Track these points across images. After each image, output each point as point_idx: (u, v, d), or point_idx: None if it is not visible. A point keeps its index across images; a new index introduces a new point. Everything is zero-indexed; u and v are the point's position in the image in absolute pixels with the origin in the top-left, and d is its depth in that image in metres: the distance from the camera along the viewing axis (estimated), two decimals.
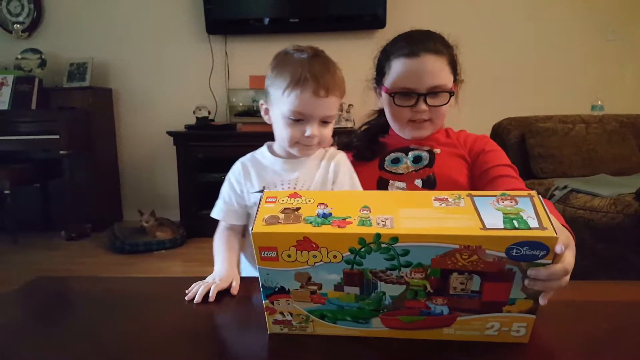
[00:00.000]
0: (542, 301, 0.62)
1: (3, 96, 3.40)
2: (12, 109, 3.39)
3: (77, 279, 1.23)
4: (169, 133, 3.35)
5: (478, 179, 1.09)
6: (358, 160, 1.19)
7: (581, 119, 2.76)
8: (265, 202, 0.66)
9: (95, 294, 0.96)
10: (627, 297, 0.85)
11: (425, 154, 1.13)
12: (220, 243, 1.06)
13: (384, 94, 1.14)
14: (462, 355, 0.65)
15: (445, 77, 1.08)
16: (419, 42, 1.08)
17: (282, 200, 0.65)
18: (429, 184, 1.09)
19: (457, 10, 3.50)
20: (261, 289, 0.66)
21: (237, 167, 1.09)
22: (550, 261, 0.58)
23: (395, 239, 0.58)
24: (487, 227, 0.57)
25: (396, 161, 1.14)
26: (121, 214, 3.90)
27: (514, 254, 0.57)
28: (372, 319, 0.66)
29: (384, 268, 0.61)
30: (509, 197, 0.62)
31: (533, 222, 0.58)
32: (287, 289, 0.65)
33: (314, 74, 0.94)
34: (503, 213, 0.59)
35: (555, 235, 0.56)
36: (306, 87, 0.94)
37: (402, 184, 1.10)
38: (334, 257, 0.61)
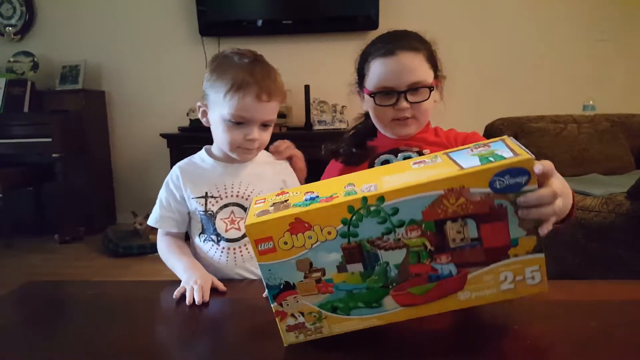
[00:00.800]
0: (541, 232, 0.61)
1: None
2: (4, 112, 3.38)
3: (68, 283, 1.23)
4: (163, 135, 3.34)
5: None
6: (348, 166, 1.19)
7: (573, 118, 2.78)
8: (255, 204, 0.66)
9: (87, 298, 0.95)
10: (615, 296, 0.86)
11: (414, 155, 1.13)
12: (171, 250, 1.04)
13: (366, 96, 1.14)
14: (461, 355, 0.66)
15: (423, 73, 1.08)
16: (394, 40, 1.09)
17: (271, 199, 0.66)
18: None
19: (449, 10, 3.51)
20: (266, 290, 0.65)
21: (175, 172, 1.08)
22: (535, 186, 0.58)
23: (381, 198, 0.58)
24: (465, 168, 0.58)
25: (385, 163, 1.13)
26: (115, 217, 3.89)
27: (497, 186, 0.57)
28: (384, 299, 0.64)
29: (379, 234, 0.60)
30: (482, 145, 0.63)
31: (508, 154, 0.58)
32: (292, 284, 0.64)
33: (256, 79, 0.96)
34: (479, 156, 0.60)
35: (530, 156, 0.57)
36: (248, 91, 0.95)
37: None
38: (329, 233, 0.60)
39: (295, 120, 3.50)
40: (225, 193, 1.04)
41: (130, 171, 3.87)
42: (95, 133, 3.69)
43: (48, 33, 3.76)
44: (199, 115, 1.08)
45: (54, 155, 3.28)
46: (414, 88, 1.07)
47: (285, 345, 0.68)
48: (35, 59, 3.66)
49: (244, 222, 0.62)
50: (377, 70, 1.09)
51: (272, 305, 0.65)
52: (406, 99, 1.07)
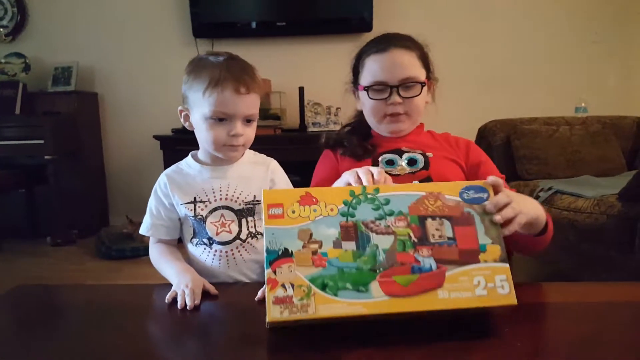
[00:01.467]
0: (508, 231, 0.76)
1: None
2: None
3: (60, 287, 1.21)
4: (156, 137, 3.33)
5: None
6: (348, 157, 1.19)
7: (565, 120, 2.80)
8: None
9: (78, 302, 0.95)
10: (607, 297, 0.86)
11: (419, 157, 1.13)
12: (163, 256, 1.04)
13: (360, 93, 1.18)
14: (457, 352, 0.66)
15: (416, 70, 1.12)
16: (387, 39, 1.14)
17: None
18: None
19: (442, 13, 3.53)
20: (265, 254, 0.70)
21: (162, 180, 1.07)
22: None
23: (377, 190, 0.76)
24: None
25: (390, 163, 1.14)
26: (108, 220, 3.86)
27: (465, 197, 0.76)
28: (371, 284, 0.69)
29: (373, 218, 0.74)
30: None
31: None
32: (290, 251, 0.70)
33: (232, 73, 0.97)
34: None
35: (488, 182, 0.79)
36: (226, 86, 0.96)
37: None
38: (331, 210, 0.73)
39: (290, 122, 3.50)
40: (214, 197, 1.03)
41: (123, 173, 3.84)
42: (88, 135, 3.66)
43: (40, 34, 3.74)
44: (182, 120, 1.07)
45: (46, 157, 3.26)
46: (406, 84, 1.11)
47: (268, 320, 0.67)
48: (27, 61, 3.63)
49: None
50: (371, 66, 1.13)
51: (266, 272, 0.69)
52: (398, 94, 1.11)
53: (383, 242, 0.72)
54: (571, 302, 0.84)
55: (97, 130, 3.80)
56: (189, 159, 1.10)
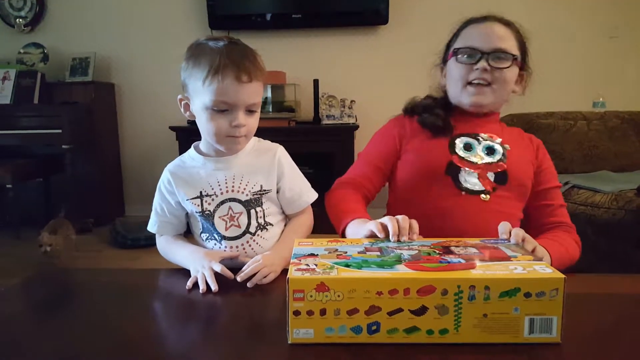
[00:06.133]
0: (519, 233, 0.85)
1: (5, 90, 3.40)
2: (14, 103, 3.39)
3: (80, 271, 1.24)
4: (172, 128, 3.35)
5: (535, 197, 1.15)
6: (425, 129, 1.17)
7: (582, 115, 2.76)
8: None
9: (99, 285, 0.97)
10: (629, 289, 0.86)
11: (498, 147, 1.12)
12: (170, 243, 1.05)
13: (449, 61, 1.17)
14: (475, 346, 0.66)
15: (511, 45, 1.12)
16: (488, 14, 1.20)
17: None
18: (501, 180, 1.08)
19: (459, 6, 3.49)
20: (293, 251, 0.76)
21: (165, 177, 1.04)
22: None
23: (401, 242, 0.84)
24: None
25: (468, 148, 1.12)
26: (123, 209, 3.91)
27: (486, 240, 0.83)
28: (397, 266, 0.69)
29: (396, 245, 0.81)
30: None
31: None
32: (316, 254, 0.74)
33: (233, 60, 0.91)
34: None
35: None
36: (227, 74, 0.91)
37: (475, 174, 1.09)
38: (357, 244, 0.82)
39: (304, 115, 3.50)
40: (220, 189, 1.00)
41: (139, 164, 3.88)
42: (105, 125, 3.70)
43: (58, 25, 3.78)
44: (182, 110, 1.03)
45: (63, 146, 3.30)
46: (498, 55, 1.10)
47: (288, 277, 0.64)
48: (46, 51, 3.67)
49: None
50: (466, 33, 1.17)
51: (291, 260, 0.71)
52: (487, 62, 1.10)
53: (407, 253, 0.75)
54: (590, 293, 0.83)
55: (114, 120, 3.84)
56: (191, 151, 1.06)
